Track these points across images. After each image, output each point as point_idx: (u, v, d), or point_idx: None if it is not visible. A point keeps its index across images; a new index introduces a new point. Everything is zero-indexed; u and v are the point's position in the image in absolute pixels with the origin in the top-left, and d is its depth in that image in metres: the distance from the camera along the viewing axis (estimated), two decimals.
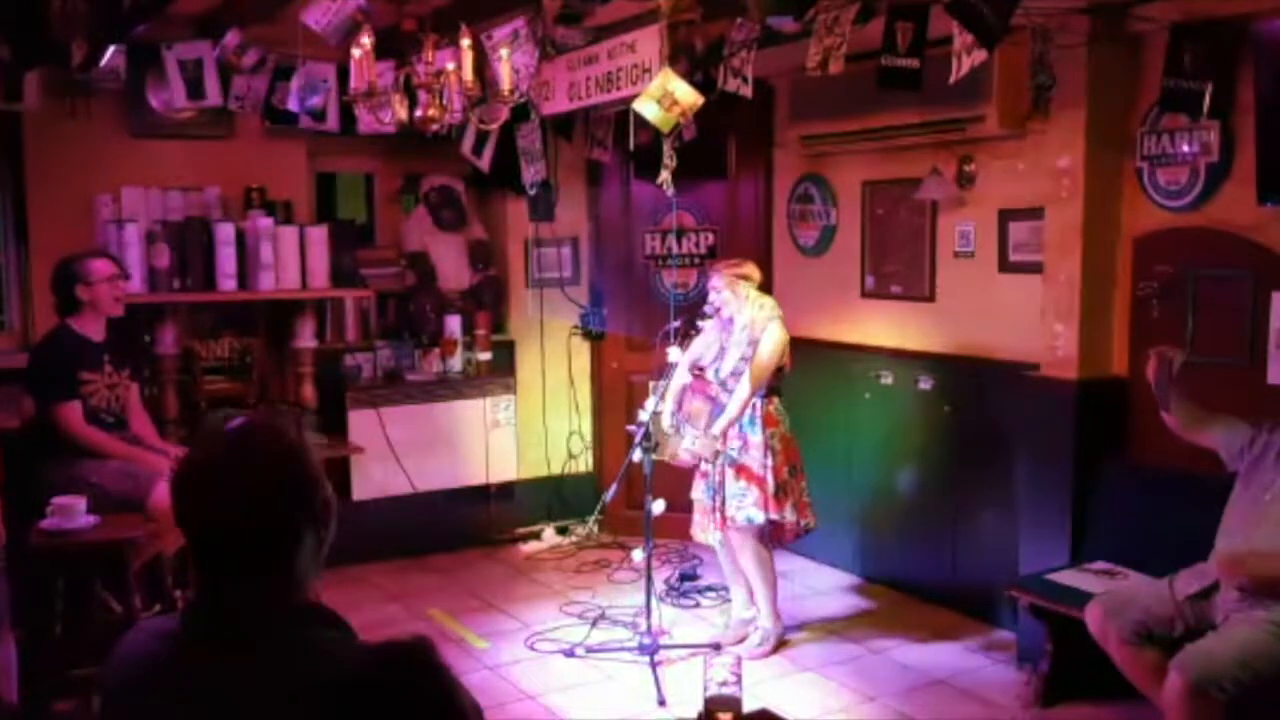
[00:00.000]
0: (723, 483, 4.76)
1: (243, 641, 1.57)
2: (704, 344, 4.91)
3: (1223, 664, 3.30)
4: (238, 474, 1.61)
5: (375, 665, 1.48)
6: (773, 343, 4.69)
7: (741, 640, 4.91)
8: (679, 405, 4.89)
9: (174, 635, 1.64)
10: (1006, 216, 5.05)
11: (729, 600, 5.36)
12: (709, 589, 5.67)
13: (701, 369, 4.90)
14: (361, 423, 5.96)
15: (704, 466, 4.83)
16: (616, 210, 6.78)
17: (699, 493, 4.90)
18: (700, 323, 4.84)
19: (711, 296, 4.80)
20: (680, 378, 4.93)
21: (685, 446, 4.79)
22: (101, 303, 4.61)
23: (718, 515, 4.79)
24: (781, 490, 4.73)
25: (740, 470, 4.73)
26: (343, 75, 5.03)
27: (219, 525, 1.61)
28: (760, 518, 4.73)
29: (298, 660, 1.55)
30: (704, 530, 4.92)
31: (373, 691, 1.45)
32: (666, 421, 4.89)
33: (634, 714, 4.33)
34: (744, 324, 4.74)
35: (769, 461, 4.72)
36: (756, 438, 4.73)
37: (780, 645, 4.93)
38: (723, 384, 4.79)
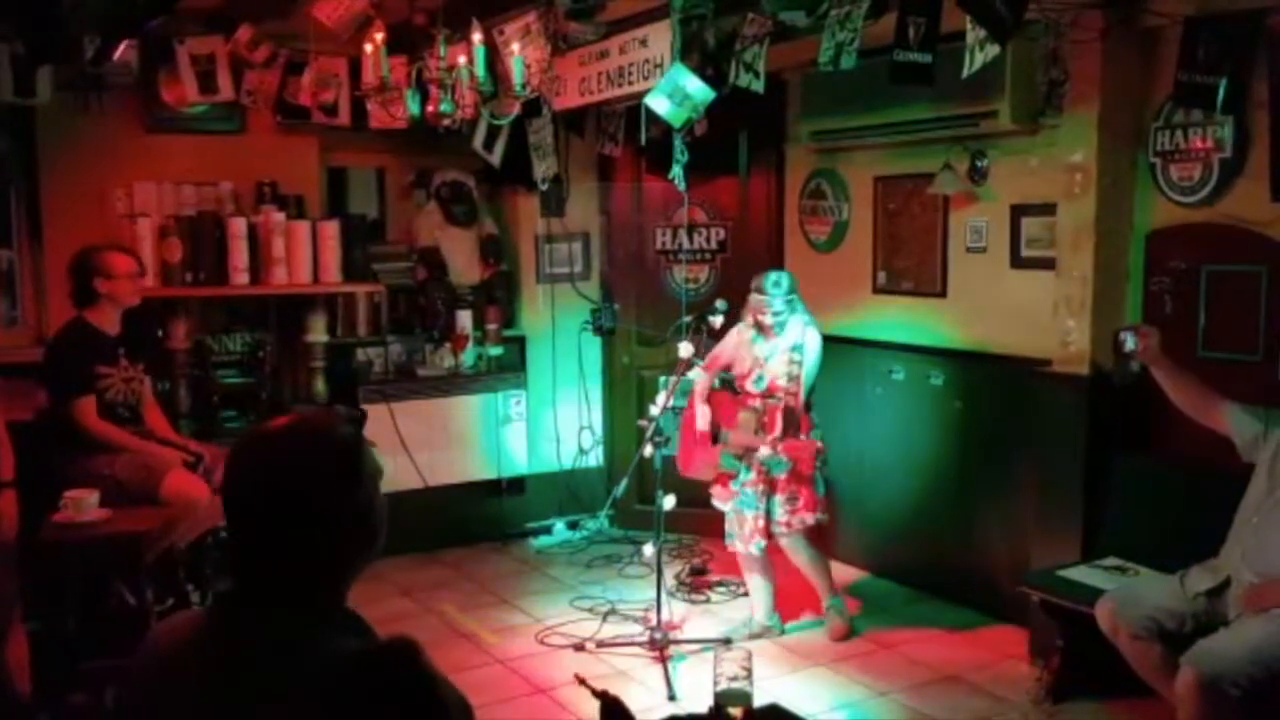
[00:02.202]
0: (768, 493, 4.74)
1: (259, 638, 1.56)
2: (728, 354, 4.91)
3: (1235, 660, 3.29)
4: (280, 457, 1.63)
5: (357, 666, 1.49)
6: (819, 347, 4.74)
7: (752, 638, 4.92)
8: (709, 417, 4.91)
9: (202, 627, 1.65)
10: (1019, 212, 5.03)
11: (740, 595, 5.38)
12: (720, 584, 5.67)
13: (738, 379, 4.90)
14: (373, 417, 5.94)
15: (745, 477, 4.77)
16: (628, 205, 6.77)
17: (735, 504, 4.81)
18: (712, 318, 4.82)
19: (770, 319, 4.70)
20: (700, 384, 4.94)
21: (771, 452, 4.59)
22: (121, 297, 4.64)
23: (762, 524, 4.76)
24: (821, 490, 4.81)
25: (788, 482, 4.73)
26: (354, 70, 5.05)
27: (252, 507, 1.62)
28: (811, 519, 4.78)
29: (306, 663, 1.53)
30: (746, 541, 4.81)
31: (356, 692, 1.45)
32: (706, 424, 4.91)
33: (644, 708, 4.33)
34: (793, 335, 4.73)
35: (817, 464, 4.76)
36: (811, 440, 4.74)
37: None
38: (768, 394, 4.74)
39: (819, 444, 4.71)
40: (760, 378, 4.78)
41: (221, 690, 1.54)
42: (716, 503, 4.95)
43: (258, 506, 1.61)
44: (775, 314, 4.69)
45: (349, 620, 1.63)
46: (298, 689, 1.49)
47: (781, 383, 4.67)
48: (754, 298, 4.75)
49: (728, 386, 5.01)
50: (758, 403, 4.74)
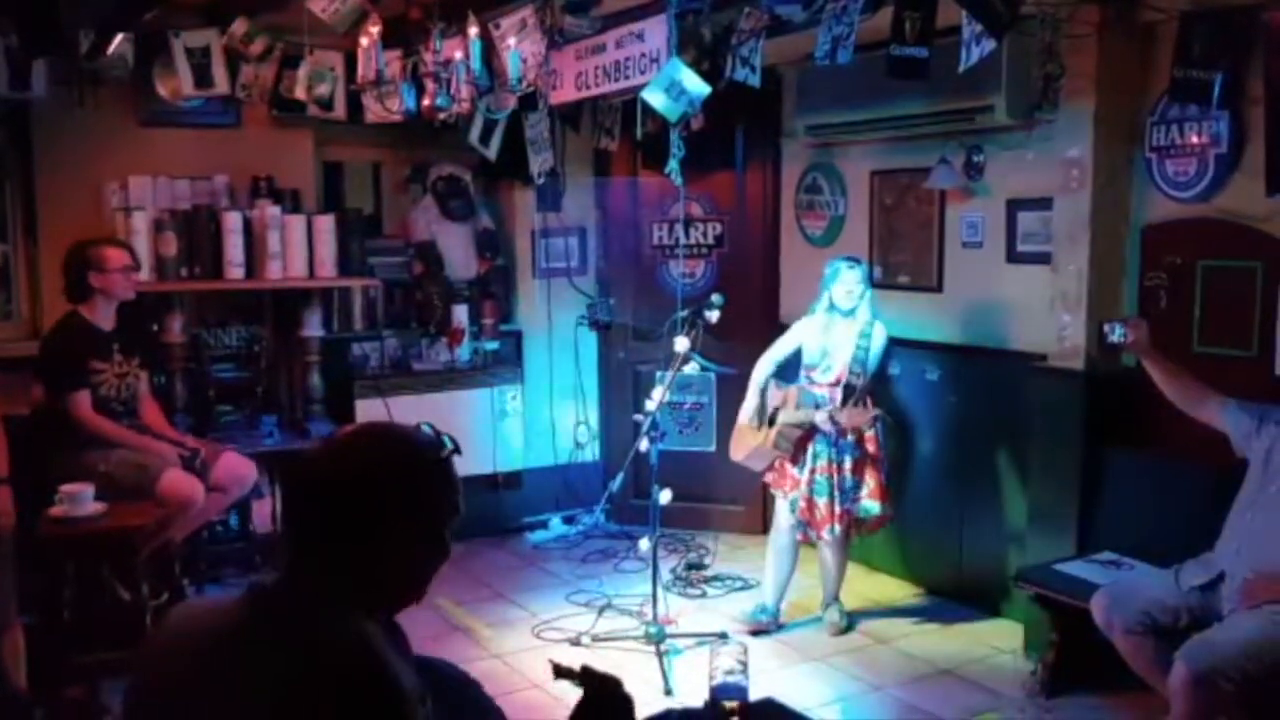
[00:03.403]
0: (842, 479, 4.78)
1: (299, 637, 1.55)
2: (796, 340, 4.97)
3: (1229, 655, 3.29)
4: (351, 455, 1.65)
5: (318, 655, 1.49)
6: (885, 340, 4.84)
7: (758, 631, 4.93)
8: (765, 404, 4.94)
9: (231, 611, 1.64)
10: (1015, 207, 5.03)
11: (736, 589, 5.40)
12: (715, 578, 5.68)
13: (806, 370, 4.93)
14: (369, 412, 5.96)
15: (815, 463, 4.79)
16: (624, 200, 6.76)
17: (807, 491, 4.81)
18: (708, 313, 4.81)
19: (848, 296, 4.81)
20: (757, 372, 5.01)
21: (829, 419, 4.67)
22: (114, 291, 4.63)
23: (839, 511, 4.79)
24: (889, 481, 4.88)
25: (857, 465, 4.78)
26: (350, 64, 5.04)
27: (302, 508, 1.63)
28: (877, 509, 4.82)
29: (323, 657, 1.53)
30: (820, 527, 4.82)
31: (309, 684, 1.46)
32: (747, 418, 4.93)
33: (641, 703, 4.32)
34: (861, 320, 4.82)
35: (882, 454, 4.84)
36: (871, 431, 4.79)
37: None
38: (835, 383, 4.81)
39: (877, 410, 4.75)
40: (828, 367, 4.84)
41: (254, 684, 1.52)
42: (776, 492, 4.94)
43: (323, 510, 1.62)
44: (849, 291, 4.80)
45: (390, 632, 1.63)
46: (324, 693, 1.48)
47: (847, 370, 4.76)
48: (838, 276, 4.84)
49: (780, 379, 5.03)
50: (823, 391, 4.80)
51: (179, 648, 1.65)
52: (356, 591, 1.61)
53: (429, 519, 1.66)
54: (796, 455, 4.81)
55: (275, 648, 1.54)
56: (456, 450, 1.70)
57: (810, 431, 4.76)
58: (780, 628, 5.03)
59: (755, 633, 4.92)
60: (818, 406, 4.74)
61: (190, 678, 1.59)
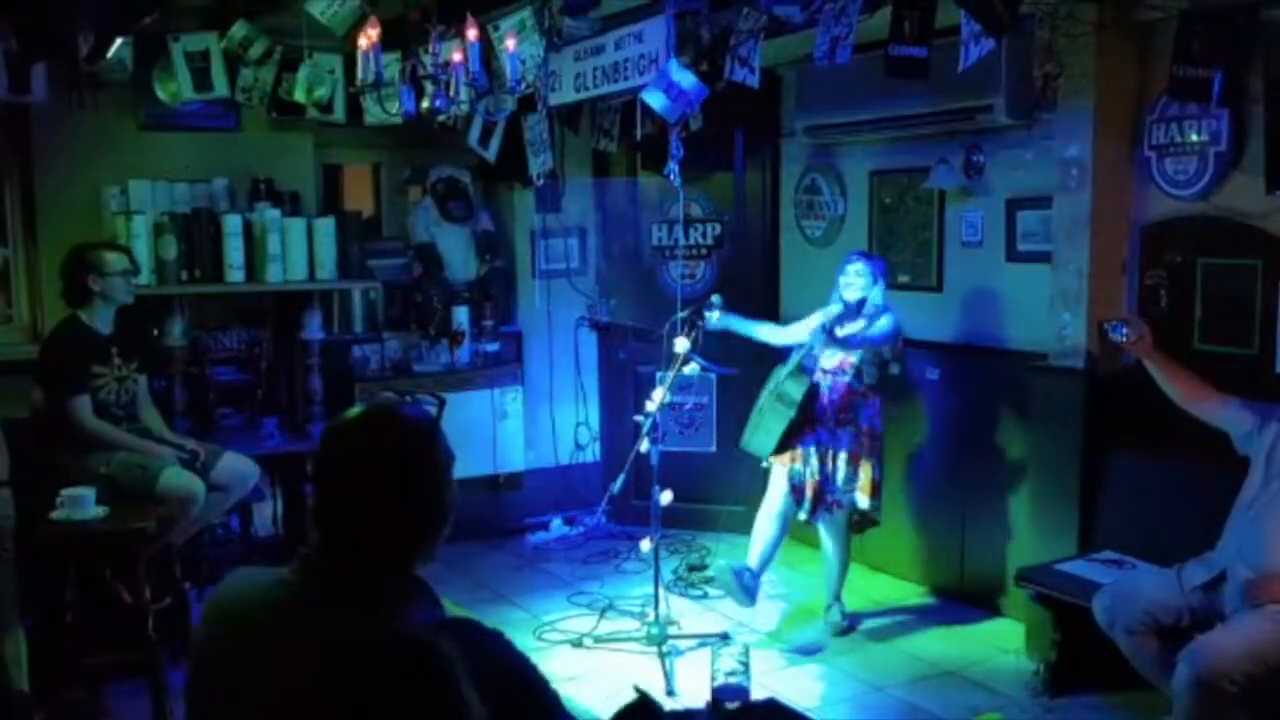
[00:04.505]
0: (835, 468, 4.79)
1: (351, 600, 1.69)
2: (803, 331, 4.97)
3: (1232, 657, 3.28)
4: (363, 443, 1.78)
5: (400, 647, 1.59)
6: (890, 325, 4.78)
7: (740, 585, 4.88)
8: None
9: (286, 582, 1.76)
10: (1014, 206, 5.03)
11: None
12: (717, 579, 5.67)
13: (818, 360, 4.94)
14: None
15: (807, 461, 4.81)
16: (623, 201, 6.77)
17: (803, 465, 4.83)
18: (708, 313, 4.82)
19: (846, 288, 4.83)
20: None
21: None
22: (114, 295, 4.63)
23: (829, 497, 4.81)
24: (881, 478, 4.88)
25: (852, 456, 4.78)
26: (349, 66, 5.04)
27: (339, 489, 1.77)
28: (865, 504, 4.82)
29: (386, 626, 1.64)
30: (816, 508, 4.86)
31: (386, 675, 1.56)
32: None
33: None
34: (870, 306, 4.82)
35: (878, 451, 4.85)
36: (879, 426, 4.83)
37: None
38: (839, 369, 4.84)
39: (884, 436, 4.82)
40: (834, 354, 4.84)
41: (308, 647, 1.64)
42: (775, 463, 4.90)
43: (343, 488, 1.76)
44: (849, 283, 4.81)
45: (422, 589, 1.76)
46: (378, 650, 1.59)
47: (851, 359, 4.79)
48: (843, 268, 4.86)
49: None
50: (827, 379, 4.82)
51: (236, 621, 1.77)
52: (388, 556, 1.75)
53: (441, 477, 1.82)
54: (801, 430, 4.77)
55: (335, 618, 1.66)
56: (443, 403, 1.87)
57: (809, 417, 4.75)
58: (752, 594, 4.89)
59: (739, 587, 4.81)
60: (808, 370, 4.78)
61: (249, 651, 1.70)
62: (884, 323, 4.78)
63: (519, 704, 1.75)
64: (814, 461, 4.79)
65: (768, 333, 5.15)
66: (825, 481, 4.79)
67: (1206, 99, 4.03)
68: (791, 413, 4.71)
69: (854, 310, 4.83)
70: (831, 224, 6.03)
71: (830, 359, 4.85)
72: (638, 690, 2.08)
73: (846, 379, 4.80)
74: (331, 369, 5.96)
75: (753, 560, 4.95)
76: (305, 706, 1.61)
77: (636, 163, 6.53)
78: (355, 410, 1.85)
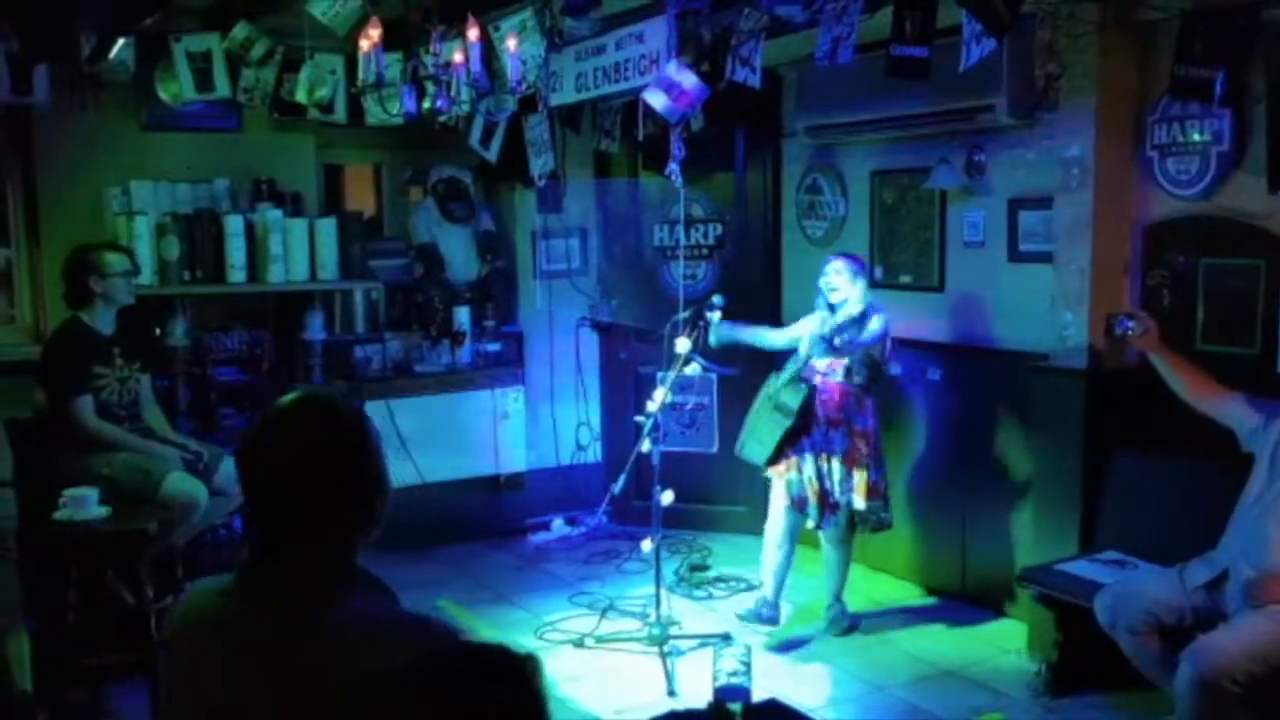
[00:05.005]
0: (830, 469, 4.78)
1: (293, 597, 1.68)
2: (795, 333, 4.99)
3: (1234, 657, 3.28)
4: (291, 438, 1.74)
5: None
6: (880, 328, 4.74)
7: (763, 623, 4.92)
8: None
9: (229, 591, 1.75)
10: (1016, 206, 5.03)
11: (740, 590, 5.39)
12: (719, 579, 5.68)
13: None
14: (371, 414, 5.91)
15: (802, 468, 4.79)
16: (624, 202, 6.77)
17: (799, 473, 4.82)
18: (709, 313, 4.82)
19: (825, 287, 4.84)
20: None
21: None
22: (115, 296, 4.64)
23: (829, 499, 4.79)
24: (881, 480, 4.85)
25: (847, 456, 4.77)
26: (350, 67, 5.04)
27: (271, 486, 1.73)
28: (863, 505, 4.80)
29: (339, 614, 1.64)
30: (821, 514, 4.84)
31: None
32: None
33: (644, 704, 4.33)
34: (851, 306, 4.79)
35: (876, 451, 4.82)
36: (872, 426, 4.82)
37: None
38: (828, 371, 4.82)
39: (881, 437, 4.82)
40: (823, 353, 4.84)
41: (262, 642, 1.64)
42: (773, 474, 4.89)
43: (276, 480, 1.73)
44: (827, 281, 4.81)
45: (367, 578, 1.76)
46: (335, 639, 1.60)
47: (842, 360, 4.78)
48: (823, 268, 4.87)
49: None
50: (819, 379, 4.80)
51: (197, 635, 1.76)
52: (334, 547, 1.73)
53: (376, 463, 1.79)
54: (796, 437, 4.78)
55: (289, 623, 1.65)
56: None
57: (806, 419, 4.75)
58: (775, 621, 4.97)
59: (760, 621, 4.89)
60: (802, 378, 4.79)
61: (213, 663, 1.69)
62: (874, 324, 4.77)
63: None
64: (809, 468, 4.78)
65: (770, 337, 5.15)
66: (824, 486, 4.79)
67: (1208, 99, 4.02)
68: (789, 421, 4.73)
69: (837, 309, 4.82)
70: (833, 224, 6.03)
71: (821, 360, 4.85)
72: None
73: (837, 379, 4.79)
74: (333, 369, 5.96)
75: (767, 590, 4.98)
76: (281, 709, 1.60)
77: (637, 163, 6.53)
78: (280, 403, 1.82)
